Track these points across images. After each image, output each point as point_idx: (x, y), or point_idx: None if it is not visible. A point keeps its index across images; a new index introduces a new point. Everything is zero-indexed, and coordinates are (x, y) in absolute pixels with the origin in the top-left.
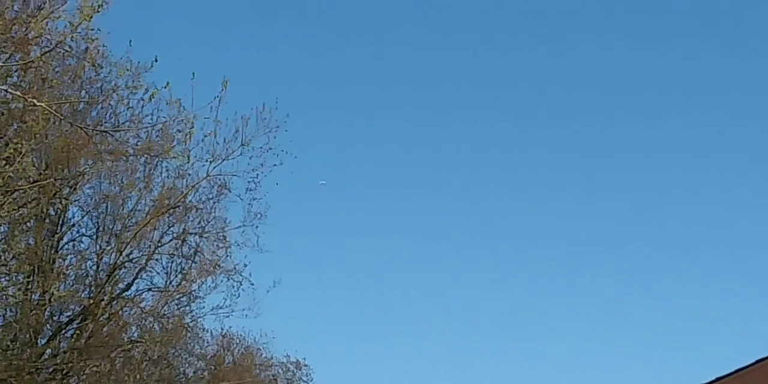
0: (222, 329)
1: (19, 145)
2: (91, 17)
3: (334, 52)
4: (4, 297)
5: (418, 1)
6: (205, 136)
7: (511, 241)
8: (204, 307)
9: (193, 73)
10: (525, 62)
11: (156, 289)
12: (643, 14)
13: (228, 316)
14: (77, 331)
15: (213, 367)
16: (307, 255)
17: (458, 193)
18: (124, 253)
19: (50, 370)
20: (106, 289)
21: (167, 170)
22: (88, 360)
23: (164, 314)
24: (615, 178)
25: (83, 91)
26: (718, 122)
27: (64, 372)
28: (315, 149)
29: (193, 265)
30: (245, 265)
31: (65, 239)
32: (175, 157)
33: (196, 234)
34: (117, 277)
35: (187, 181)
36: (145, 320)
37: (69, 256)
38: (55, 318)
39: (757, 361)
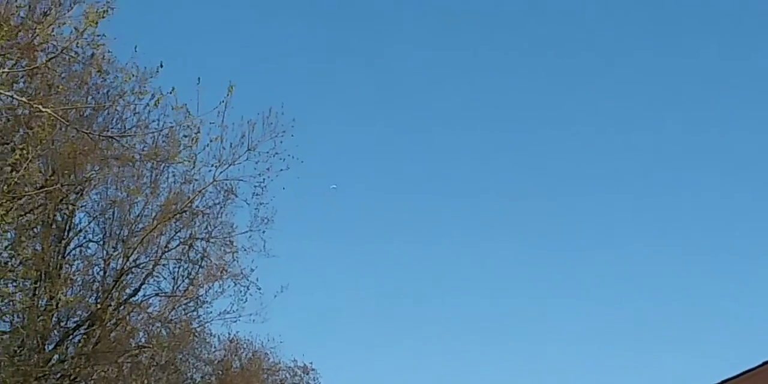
0: (229, 334)
1: (26, 151)
2: (97, 23)
3: (341, 56)
4: (11, 303)
5: (423, 5)
6: (211, 140)
7: (516, 244)
8: (211, 312)
9: (199, 79)
10: (531, 65)
11: (163, 295)
12: (644, 14)
13: (235, 321)
14: (84, 337)
15: (220, 372)
16: (314, 259)
17: (465, 197)
18: (131, 259)
19: (58, 375)
20: (113, 294)
21: (174, 175)
22: (95, 365)
23: (171, 319)
24: (616, 179)
25: (90, 97)
26: (720, 123)
27: (72, 378)
28: (322, 154)
29: (200, 270)
30: (252, 270)
31: (72, 245)
32: (181, 163)
33: (203, 239)
34: (124, 282)
35: (193, 187)
36: (153, 325)
37: (76, 262)
38: (62, 324)
39: (764, 363)
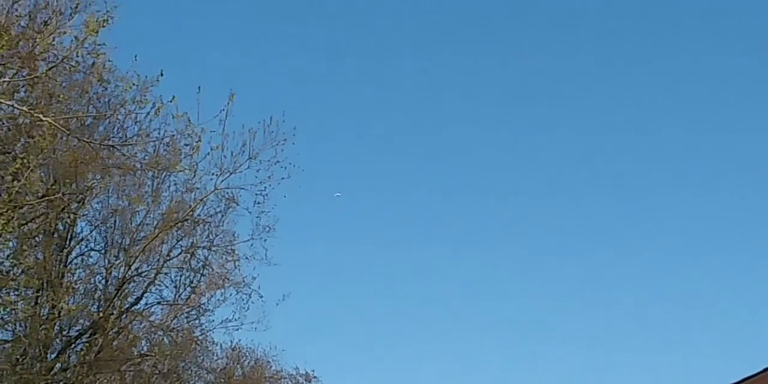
0: (231, 342)
1: (27, 160)
2: (97, 32)
3: (342, 64)
4: (13, 312)
5: (424, 13)
6: (212, 149)
7: (516, 248)
8: (213, 321)
9: (199, 87)
10: (532, 64)
11: (165, 303)
12: (646, 15)
13: (237, 329)
14: (87, 346)
15: (223, 381)
16: (316, 267)
17: (466, 202)
18: (132, 267)
19: None
20: (115, 303)
21: (175, 184)
22: (97, 374)
23: (174, 328)
24: (617, 179)
25: (91, 106)
26: (725, 124)
27: None
28: (323, 161)
29: (202, 278)
30: (254, 278)
31: (74, 253)
32: (182, 171)
33: (204, 247)
34: (126, 290)
35: (195, 195)
36: (155, 334)
37: (78, 271)
38: (64, 332)
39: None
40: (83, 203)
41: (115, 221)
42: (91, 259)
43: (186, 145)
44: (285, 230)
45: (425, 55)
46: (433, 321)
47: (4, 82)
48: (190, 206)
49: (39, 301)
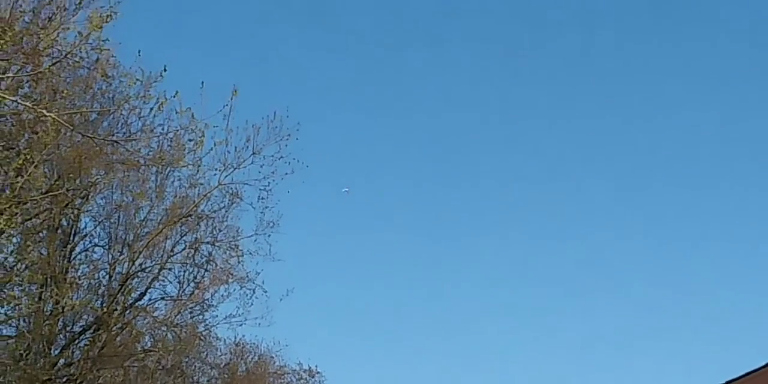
0: (235, 338)
1: (31, 156)
2: (101, 27)
3: (345, 59)
4: (17, 307)
5: (428, 6)
6: (216, 144)
7: (521, 247)
8: (217, 316)
9: (203, 82)
10: (533, 59)
11: (169, 299)
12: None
13: (241, 325)
14: (90, 341)
15: (226, 376)
16: (320, 263)
17: (471, 196)
18: (136, 263)
19: (64, 379)
20: (119, 298)
21: (179, 179)
22: (101, 370)
23: (177, 323)
24: (623, 174)
25: (95, 102)
26: (730, 108)
27: (78, 381)
28: (327, 157)
29: (206, 273)
30: (258, 274)
31: (78, 249)
32: (185, 166)
33: (208, 243)
34: (130, 286)
35: (199, 191)
36: (159, 329)
37: (82, 266)
38: (68, 328)
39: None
40: (87, 199)
41: (119, 217)
42: (95, 255)
43: (190, 140)
44: (289, 226)
45: (430, 47)
46: (437, 316)
47: (8, 77)
48: (194, 202)
49: (43, 297)
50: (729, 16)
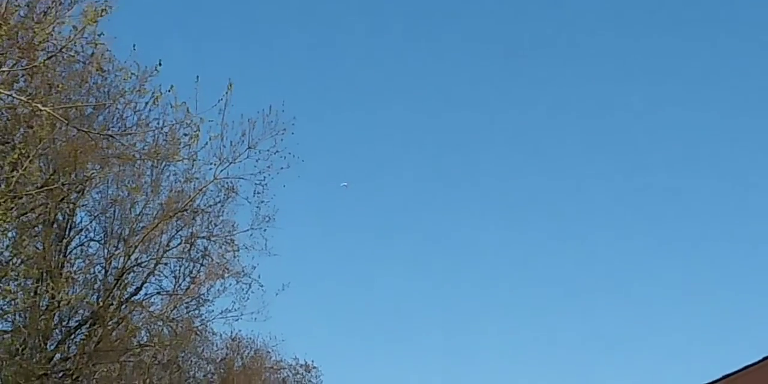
0: (231, 332)
1: (26, 150)
2: (96, 21)
3: (341, 53)
4: (13, 302)
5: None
6: (211, 138)
7: (527, 240)
8: (213, 311)
9: (198, 77)
10: (534, 54)
11: (165, 293)
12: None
13: (237, 320)
14: (86, 336)
15: (222, 371)
16: (316, 258)
17: (469, 193)
18: (132, 258)
19: (60, 374)
20: (114, 293)
21: (174, 174)
22: (97, 364)
23: (173, 318)
24: (623, 174)
25: (90, 96)
26: (733, 117)
27: (74, 376)
28: (323, 151)
29: (202, 268)
30: (253, 268)
31: (73, 244)
32: (181, 161)
33: (204, 237)
34: (126, 281)
35: (194, 185)
36: (155, 324)
37: (77, 261)
38: (64, 323)
39: (753, 364)
40: (83, 193)
41: (114, 211)
42: (90, 250)
43: (185, 134)
44: (284, 220)
45: (428, 44)
46: (433, 312)
47: (3, 71)
48: (190, 196)
49: (38, 292)
50: (729, 15)
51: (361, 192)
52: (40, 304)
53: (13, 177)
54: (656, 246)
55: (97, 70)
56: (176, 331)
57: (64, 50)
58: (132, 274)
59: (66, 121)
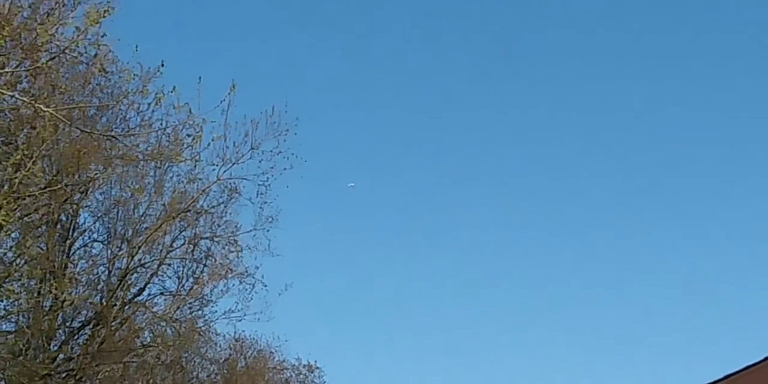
0: (235, 333)
1: (29, 151)
2: (98, 22)
3: (344, 53)
4: (16, 303)
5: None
6: (214, 139)
7: (526, 239)
8: (216, 311)
9: (200, 78)
10: (537, 52)
11: (168, 294)
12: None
13: (240, 320)
14: (90, 337)
15: (226, 371)
16: (319, 258)
17: (472, 193)
18: (135, 258)
19: (63, 375)
20: (118, 293)
21: (178, 175)
22: (101, 365)
23: (177, 318)
24: (624, 174)
25: (94, 97)
26: (734, 116)
27: (77, 377)
28: (326, 152)
29: (205, 269)
30: (257, 268)
31: (77, 244)
32: (183, 161)
33: (207, 238)
34: (129, 281)
35: (197, 186)
36: (158, 325)
37: (81, 262)
38: (67, 323)
39: (752, 365)
40: (86, 194)
41: (117, 212)
42: (94, 250)
43: (188, 135)
44: (287, 221)
45: (432, 45)
46: (436, 312)
47: (6, 72)
48: (193, 197)
49: (42, 292)
50: (729, 15)
51: (364, 192)
52: (44, 305)
53: (16, 178)
54: (656, 246)
55: (100, 71)
56: (179, 332)
57: (67, 51)
58: (135, 274)
59: (69, 122)
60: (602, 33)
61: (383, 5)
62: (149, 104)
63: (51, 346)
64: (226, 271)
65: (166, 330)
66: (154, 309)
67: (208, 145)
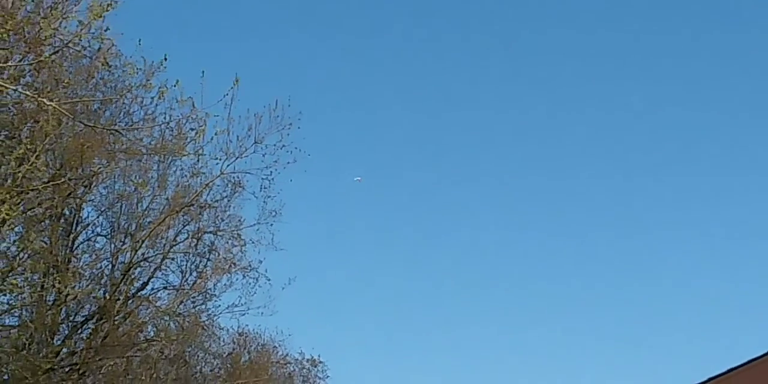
0: (238, 327)
1: (32, 145)
2: (101, 16)
3: (347, 48)
4: (20, 297)
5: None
6: (217, 133)
7: (526, 239)
8: (220, 306)
9: (203, 72)
10: (539, 46)
11: (171, 288)
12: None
13: (244, 314)
14: (93, 331)
15: (229, 366)
16: (322, 252)
17: (472, 193)
18: (139, 252)
19: (66, 369)
20: (121, 288)
21: (181, 169)
22: (104, 359)
23: (180, 313)
24: (623, 173)
25: (97, 91)
26: (734, 115)
27: (81, 371)
28: (331, 146)
29: (209, 263)
30: (260, 262)
31: (80, 239)
32: (187, 155)
33: (211, 232)
34: (132, 276)
35: (201, 180)
36: (161, 319)
37: (84, 256)
38: (70, 317)
39: (749, 361)
40: (89, 188)
41: (121, 206)
42: (97, 244)
43: (191, 129)
44: (291, 215)
45: (434, 38)
46: (439, 305)
47: (10, 66)
48: (197, 191)
49: (45, 286)
50: (729, 15)
51: (367, 187)
52: (47, 299)
53: (19, 172)
54: (656, 246)
55: (103, 65)
56: (183, 326)
57: (70, 45)
58: (139, 268)
59: (72, 116)
60: (602, 33)
61: (384, 3)
62: (152, 98)
63: (54, 341)
64: (230, 266)
65: (169, 324)
66: (158, 303)
67: (212, 139)
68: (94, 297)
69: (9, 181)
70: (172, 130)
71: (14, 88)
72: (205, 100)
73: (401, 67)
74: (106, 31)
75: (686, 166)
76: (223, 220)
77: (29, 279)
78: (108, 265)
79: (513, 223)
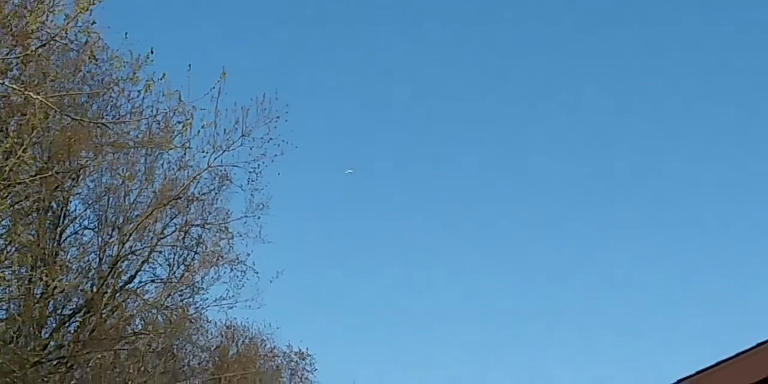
0: (226, 320)
1: (19, 139)
2: (88, 9)
3: (336, 40)
4: (7, 290)
5: None
6: (203, 126)
7: (526, 238)
8: (207, 299)
9: (190, 65)
10: (537, 43)
11: (159, 281)
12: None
13: (231, 307)
14: (81, 324)
15: (217, 359)
16: (310, 245)
17: (470, 179)
18: (126, 246)
19: (54, 362)
20: (109, 281)
21: (168, 162)
22: (91, 352)
23: (168, 306)
24: (624, 173)
25: (84, 84)
26: (737, 117)
27: (68, 364)
28: (318, 139)
29: (196, 256)
30: (248, 255)
31: (68, 232)
32: (174, 149)
33: (198, 225)
34: (120, 269)
35: (188, 173)
36: (149, 312)
37: (72, 249)
38: (58, 311)
39: (738, 354)
40: (77, 181)
41: (108, 199)
42: (84, 238)
43: (178, 122)
44: (279, 208)
45: (422, 27)
46: (429, 299)
47: None
48: (184, 184)
49: (33, 279)
50: (730, 15)
51: (355, 179)
52: (35, 292)
53: (7, 165)
54: (656, 245)
55: (90, 58)
56: (171, 319)
57: (57, 38)
58: (126, 262)
59: (59, 110)
60: (602, 32)
61: None
62: (139, 92)
63: (42, 334)
64: (217, 258)
65: (157, 317)
66: (145, 296)
67: (198, 132)
68: (81, 290)
69: None
70: (159, 124)
71: (1, 81)
72: (192, 94)
73: (392, 57)
74: (92, 24)
75: (686, 166)
76: (210, 213)
77: (16, 272)
78: (95, 258)
79: (509, 216)
